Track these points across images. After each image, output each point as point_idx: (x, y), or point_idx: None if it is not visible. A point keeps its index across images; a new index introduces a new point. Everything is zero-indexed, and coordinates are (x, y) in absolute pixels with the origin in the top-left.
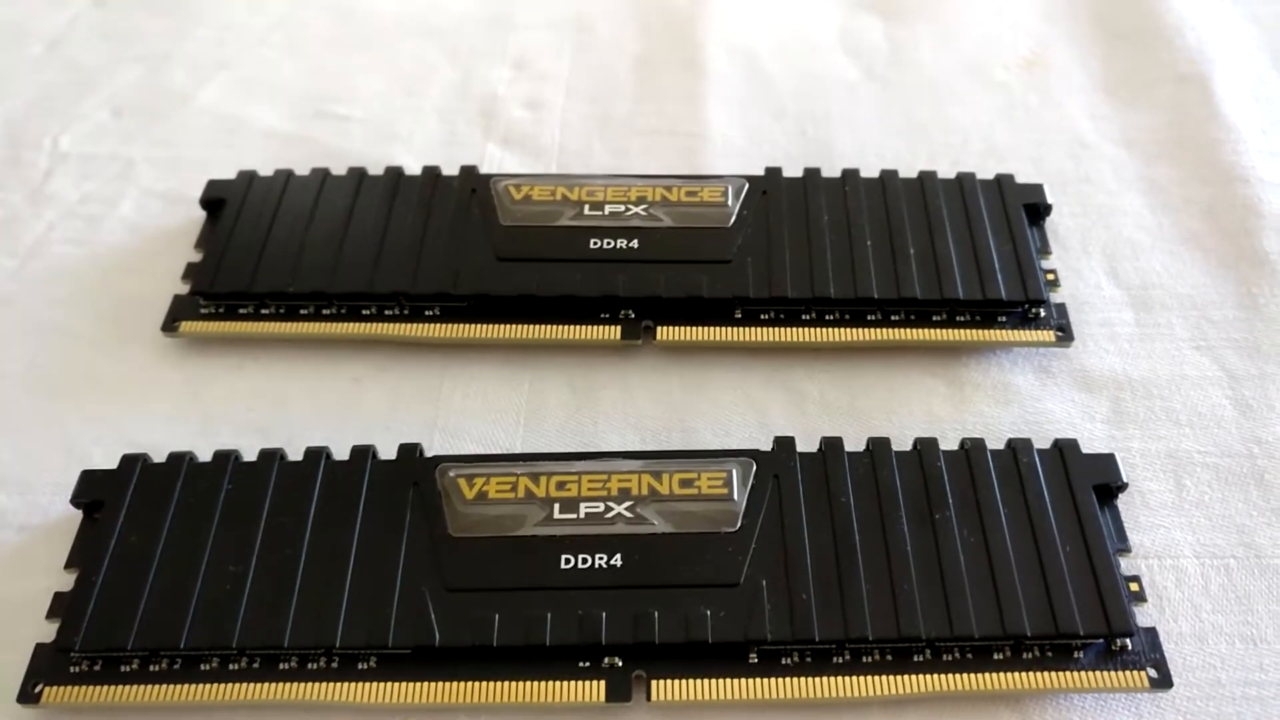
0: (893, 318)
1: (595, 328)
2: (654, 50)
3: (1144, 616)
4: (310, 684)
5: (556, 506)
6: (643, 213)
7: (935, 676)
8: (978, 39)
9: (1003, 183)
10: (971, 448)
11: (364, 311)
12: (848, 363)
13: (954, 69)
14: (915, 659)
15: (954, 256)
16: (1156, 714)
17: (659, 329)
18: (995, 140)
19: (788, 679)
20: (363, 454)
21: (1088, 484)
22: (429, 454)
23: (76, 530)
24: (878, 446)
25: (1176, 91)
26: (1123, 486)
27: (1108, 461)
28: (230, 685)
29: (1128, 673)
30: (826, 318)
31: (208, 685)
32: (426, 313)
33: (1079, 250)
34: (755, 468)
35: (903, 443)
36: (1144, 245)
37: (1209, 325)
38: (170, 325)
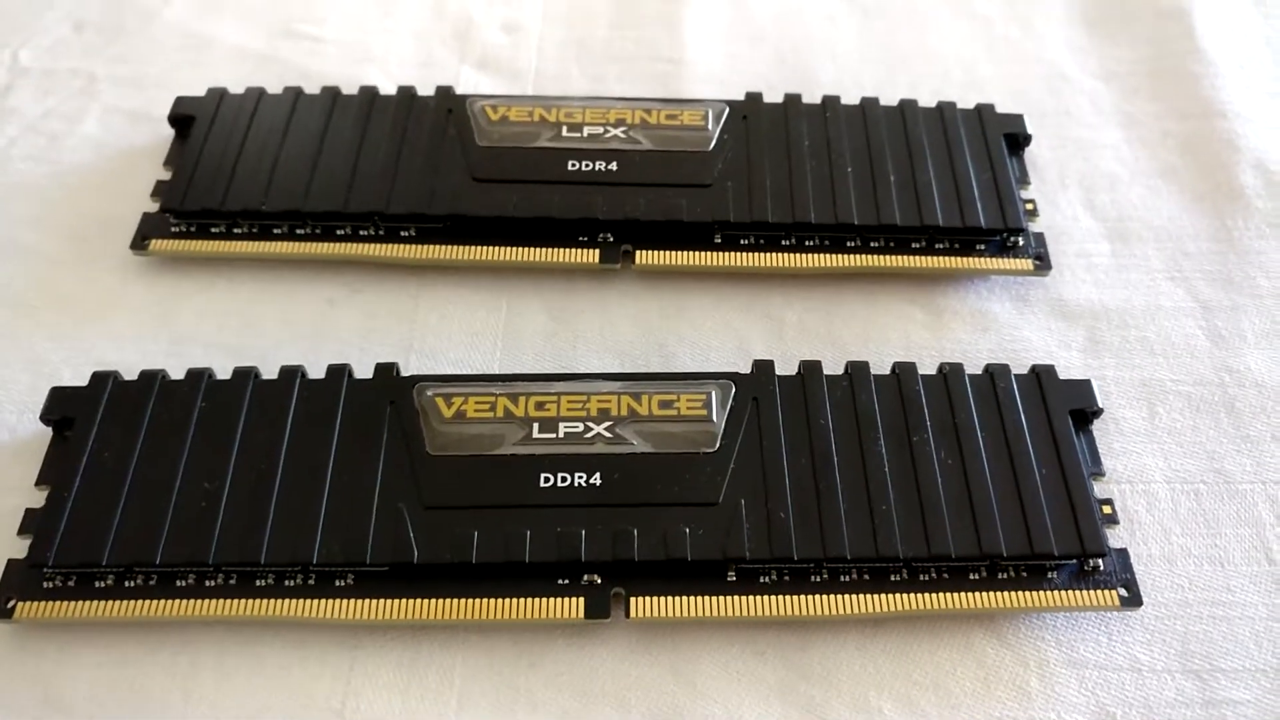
0: (872, 244)
1: (573, 250)
2: None
3: (1115, 539)
4: (288, 600)
5: (535, 426)
6: (622, 135)
7: (912, 595)
8: None
9: (983, 112)
10: (949, 372)
11: (338, 232)
12: (827, 289)
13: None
14: (892, 578)
15: (934, 184)
16: (1126, 632)
17: (638, 253)
18: (976, 72)
19: (765, 597)
20: (338, 373)
21: (1064, 409)
22: (405, 375)
23: (46, 448)
24: (856, 370)
25: (1156, 25)
26: (1098, 412)
27: (1083, 387)
28: (207, 601)
29: (1099, 592)
30: (806, 243)
31: (184, 601)
32: (401, 233)
33: (1057, 183)
34: (734, 390)
35: (881, 368)
36: (1121, 178)
37: (1184, 257)
38: (140, 243)
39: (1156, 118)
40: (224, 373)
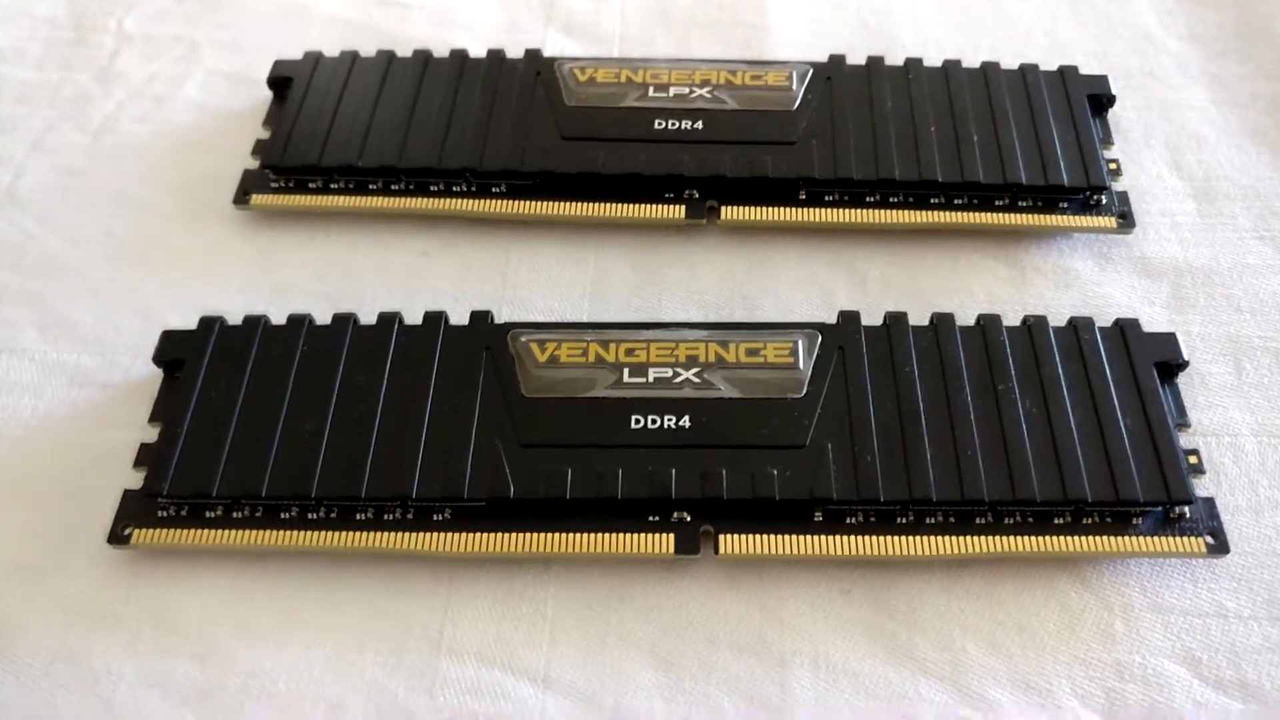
0: (956, 201)
1: (659, 207)
2: None
3: (1201, 489)
4: (387, 534)
5: (626, 371)
6: (707, 95)
7: (996, 538)
8: None
9: (1066, 74)
10: (1034, 324)
11: (432, 188)
12: (910, 245)
13: None
14: (977, 521)
15: (1017, 143)
16: (1212, 580)
17: (723, 208)
18: (1058, 34)
19: (852, 537)
20: (435, 319)
21: (1149, 361)
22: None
23: (158, 388)
24: (941, 321)
25: None
26: (1183, 365)
27: (1168, 340)
28: (309, 533)
29: (1185, 539)
30: (891, 200)
31: (287, 532)
32: (493, 189)
33: (1141, 142)
34: (820, 339)
35: (965, 322)
36: (1208, 139)
37: (1272, 216)
38: (241, 198)
39: (1244, 79)
40: (323, 320)
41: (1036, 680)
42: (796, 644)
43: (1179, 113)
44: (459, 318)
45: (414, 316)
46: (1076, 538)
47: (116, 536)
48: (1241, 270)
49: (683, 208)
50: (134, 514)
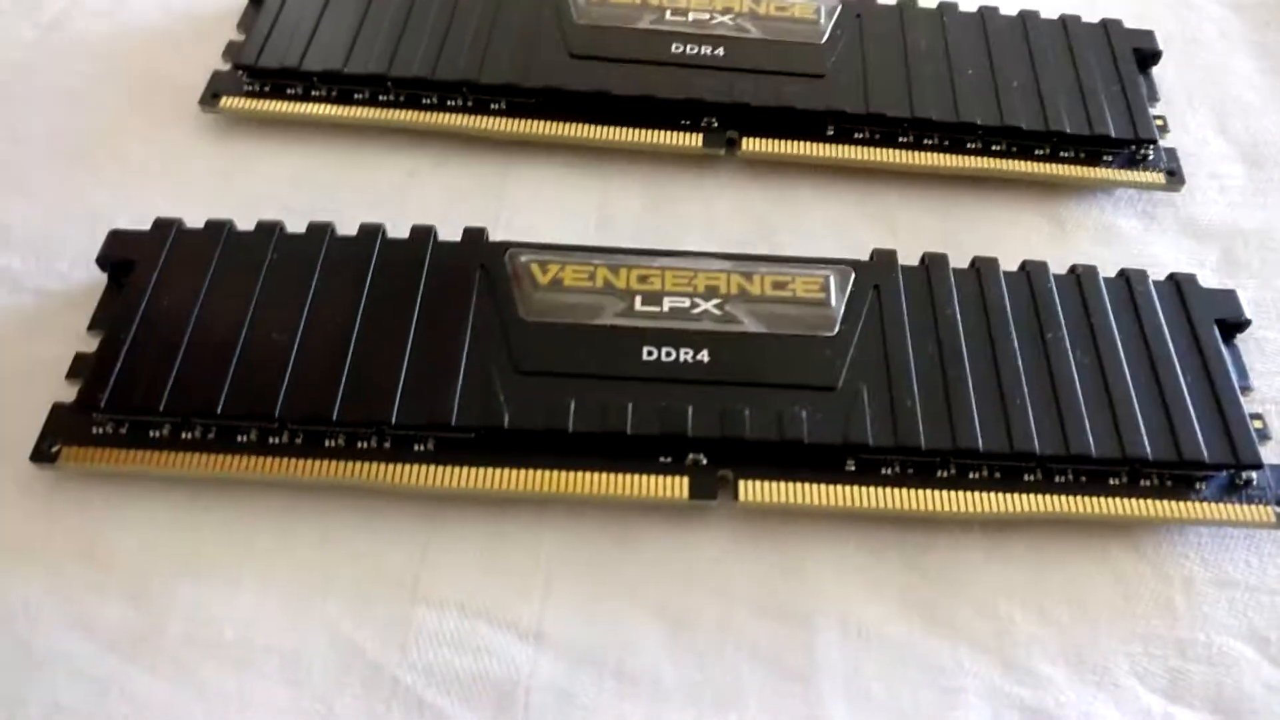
0: (994, 148)
1: (674, 134)
2: None
3: (1266, 457)
4: (360, 464)
5: (638, 299)
6: (729, 22)
7: (1046, 497)
8: None
9: (1109, 26)
10: (1083, 273)
11: (424, 101)
12: (944, 191)
13: None
14: (1025, 478)
15: (1060, 91)
16: (1277, 553)
17: (744, 140)
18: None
19: (888, 489)
20: (424, 233)
21: (1209, 317)
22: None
23: (100, 297)
24: (985, 265)
25: None
26: (1245, 323)
27: (1229, 297)
28: (269, 459)
29: (1253, 506)
30: (925, 142)
31: (245, 458)
32: (492, 106)
33: (1185, 105)
34: (854, 276)
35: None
36: (1254, 105)
37: None
38: (209, 100)
39: None
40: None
41: (1091, 656)
42: (823, 605)
43: (1224, 77)
44: (449, 237)
45: (399, 234)
46: (1135, 500)
47: (41, 454)
48: None
49: (700, 136)
50: (64, 430)
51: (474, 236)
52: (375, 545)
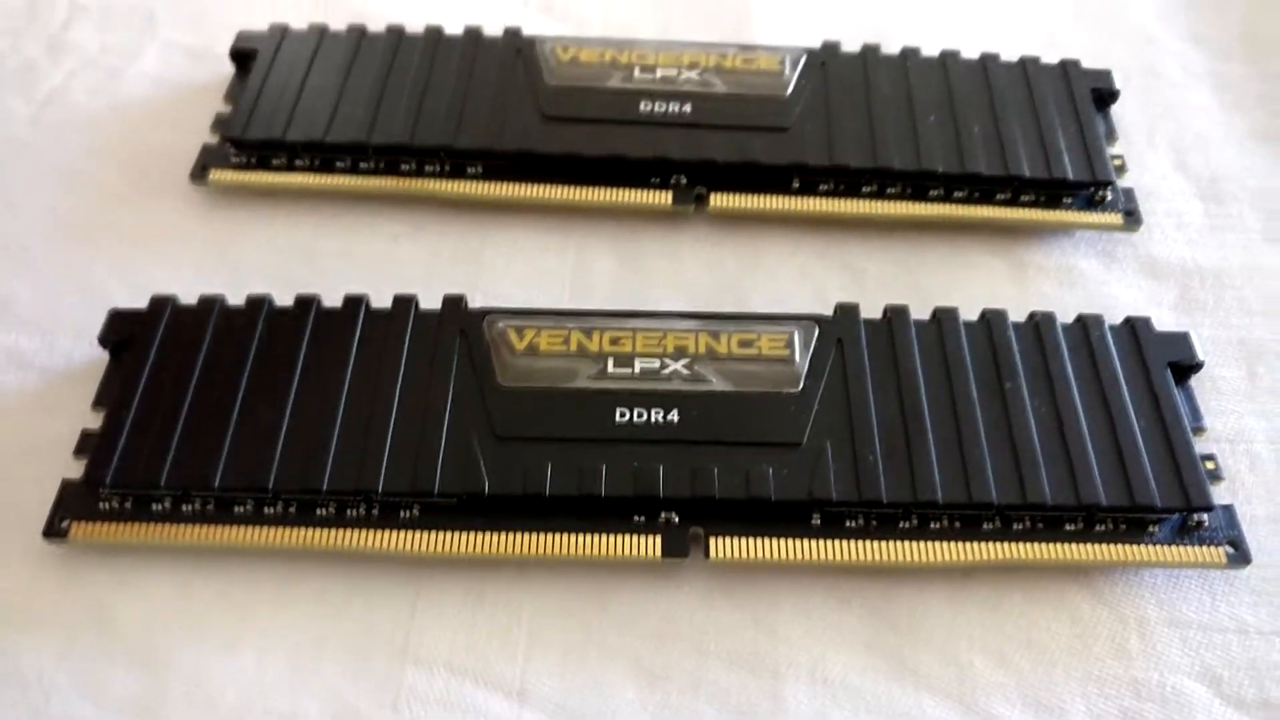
0: (956, 194)
1: (645, 192)
2: None
3: (1217, 497)
4: (350, 531)
5: (610, 361)
6: (696, 78)
7: (1005, 545)
8: None
9: (1068, 67)
10: (1041, 320)
11: (403, 167)
12: (908, 240)
13: None
14: (985, 526)
15: (1019, 135)
16: (1230, 593)
17: (712, 196)
18: (1056, 32)
19: (852, 541)
20: (405, 303)
21: (1162, 361)
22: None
23: (102, 373)
24: (944, 315)
25: None
26: (1198, 365)
27: (1182, 340)
28: (265, 529)
29: (1204, 548)
30: (888, 191)
31: (242, 529)
32: (469, 170)
33: (1144, 142)
34: (817, 331)
35: (967, 318)
36: (1214, 139)
37: None
38: (199, 174)
39: (1250, 80)
40: (285, 303)
41: (1048, 698)
42: (792, 656)
43: (1184, 113)
44: (430, 304)
45: (382, 302)
46: (1089, 545)
47: (53, 530)
48: (1252, 272)
49: (669, 194)
50: (73, 506)
51: (453, 304)
52: (367, 608)
